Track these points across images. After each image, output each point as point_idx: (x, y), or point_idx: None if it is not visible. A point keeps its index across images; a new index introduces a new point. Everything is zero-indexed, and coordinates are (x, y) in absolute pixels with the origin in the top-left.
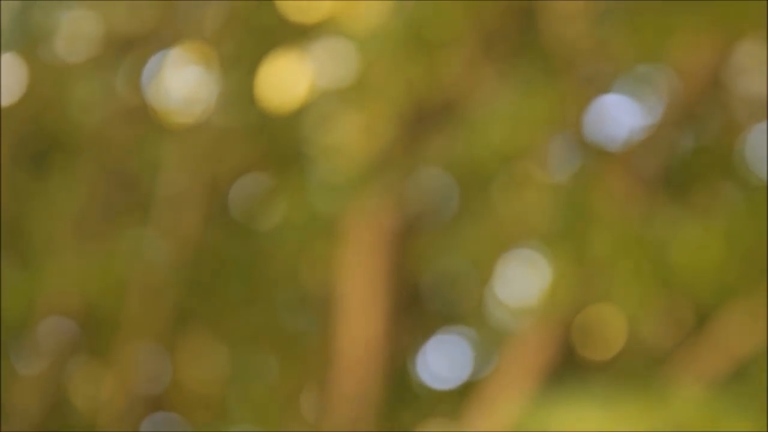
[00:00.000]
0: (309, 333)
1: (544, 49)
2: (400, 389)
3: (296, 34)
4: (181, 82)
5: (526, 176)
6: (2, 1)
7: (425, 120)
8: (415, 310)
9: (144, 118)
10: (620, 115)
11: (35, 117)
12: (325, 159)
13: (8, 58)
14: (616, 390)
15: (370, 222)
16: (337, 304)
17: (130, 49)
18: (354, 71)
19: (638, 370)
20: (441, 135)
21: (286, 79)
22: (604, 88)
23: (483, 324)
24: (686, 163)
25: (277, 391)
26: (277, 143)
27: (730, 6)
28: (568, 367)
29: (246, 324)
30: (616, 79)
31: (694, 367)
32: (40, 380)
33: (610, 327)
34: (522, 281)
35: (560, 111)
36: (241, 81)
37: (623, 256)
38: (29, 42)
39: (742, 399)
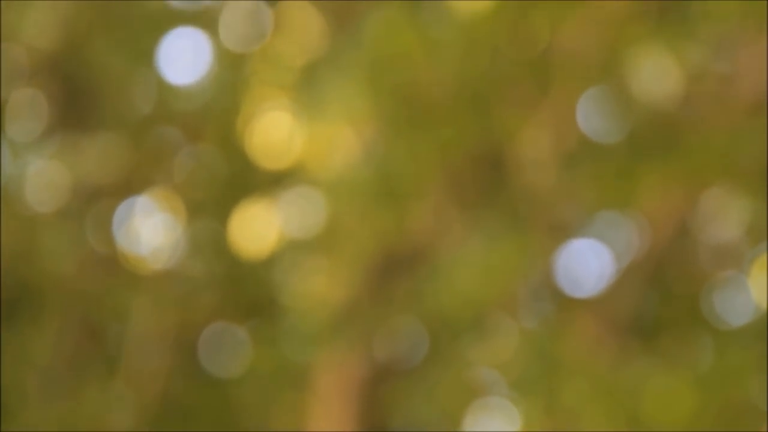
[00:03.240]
0: None
1: (512, 195)
2: None
3: (265, 182)
4: (151, 229)
5: (496, 323)
6: None
7: (394, 267)
8: None
9: (113, 266)
10: (589, 262)
11: (5, 267)
12: (295, 307)
13: None
14: None
15: (339, 370)
16: None
17: (99, 197)
18: (323, 219)
19: None
20: (410, 282)
21: (256, 227)
22: (573, 235)
23: None
24: (655, 309)
25: None
26: (246, 291)
27: (696, 155)
28: None
29: None
30: (585, 225)
31: None
32: None
33: None
34: (492, 429)
35: (529, 257)
36: (210, 228)
37: (594, 404)
38: None
39: None
